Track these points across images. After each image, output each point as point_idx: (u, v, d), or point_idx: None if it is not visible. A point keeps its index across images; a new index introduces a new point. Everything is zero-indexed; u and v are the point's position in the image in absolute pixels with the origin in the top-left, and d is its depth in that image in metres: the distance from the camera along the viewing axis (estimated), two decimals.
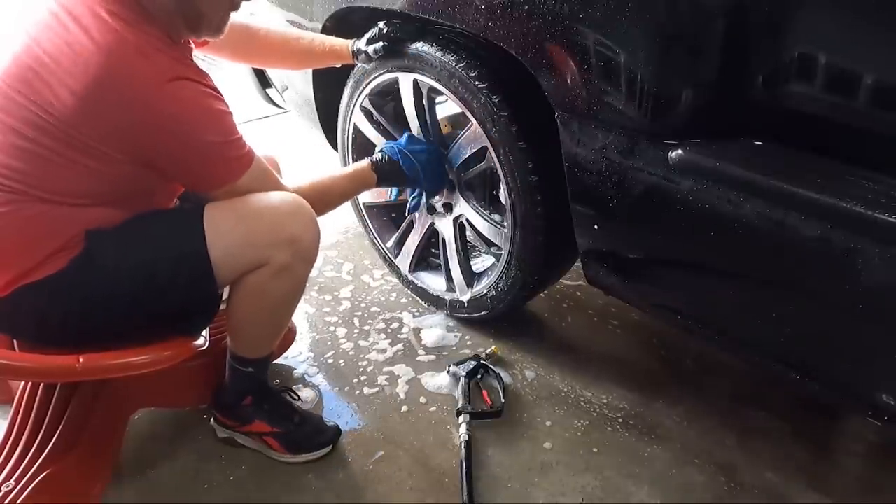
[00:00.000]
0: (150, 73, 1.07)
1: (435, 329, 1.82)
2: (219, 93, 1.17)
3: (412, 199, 1.69)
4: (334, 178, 1.48)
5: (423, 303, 1.91)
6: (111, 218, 1.15)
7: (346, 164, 1.91)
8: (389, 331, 1.83)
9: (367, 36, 1.54)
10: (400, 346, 1.77)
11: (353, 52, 1.56)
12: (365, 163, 1.54)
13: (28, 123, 1.06)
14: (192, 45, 1.26)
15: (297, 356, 1.73)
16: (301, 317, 1.86)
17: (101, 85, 1.03)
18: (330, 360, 1.72)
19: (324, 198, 1.40)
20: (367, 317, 1.88)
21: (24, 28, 1.09)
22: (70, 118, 1.04)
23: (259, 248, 1.20)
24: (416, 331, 1.82)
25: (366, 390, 1.62)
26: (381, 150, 1.58)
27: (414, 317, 1.88)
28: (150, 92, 1.06)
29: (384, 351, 1.75)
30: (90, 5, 1.06)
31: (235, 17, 1.26)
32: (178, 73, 1.10)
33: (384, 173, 1.55)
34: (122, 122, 1.07)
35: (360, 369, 1.69)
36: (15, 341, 1.24)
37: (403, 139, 1.60)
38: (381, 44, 1.51)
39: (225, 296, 1.29)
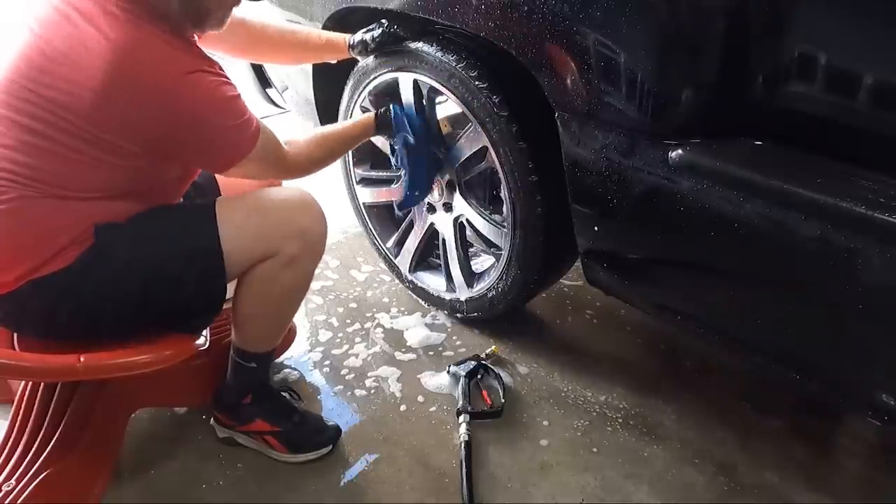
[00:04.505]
0: (166, 67, 1.08)
1: (418, 328, 1.81)
2: (228, 78, 1.18)
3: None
4: (335, 127, 1.48)
5: (422, 302, 1.91)
6: (122, 212, 1.16)
7: (346, 165, 1.92)
8: (378, 330, 1.82)
9: (364, 29, 1.54)
10: (387, 345, 1.77)
11: (349, 45, 1.56)
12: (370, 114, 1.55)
13: (41, 121, 1.06)
14: (196, 39, 1.27)
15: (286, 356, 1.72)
16: None
17: (118, 81, 1.05)
18: (321, 360, 1.72)
19: (328, 143, 1.42)
20: (357, 316, 1.88)
21: (30, 26, 1.09)
22: (87, 114, 1.05)
23: (270, 239, 1.22)
24: (400, 331, 1.82)
25: (362, 391, 1.62)
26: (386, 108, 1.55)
27: (392, 317, 1.87)
28: (168, 86, 1.08)
29: (373, 351, 1.75)
30: (100, 2, 1.07)
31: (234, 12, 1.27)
32: (193, 65, 1.11)
33: (383, 122, 1.53)
34: (141, 117, 1.08)
35: (354, 369, 1.69)
36: (15, 340, 1.24)
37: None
38: (379, 31, 1.51)
39: (229, 294, 1.30)
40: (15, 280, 1.11)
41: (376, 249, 1.99)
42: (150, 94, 1.07)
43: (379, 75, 1.62)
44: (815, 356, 1.16)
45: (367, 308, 1.91)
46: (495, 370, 1.64)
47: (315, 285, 1.99)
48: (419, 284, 1.88)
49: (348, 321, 1.86)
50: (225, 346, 1.42)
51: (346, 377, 1.66)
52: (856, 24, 0.97)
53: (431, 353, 1.74)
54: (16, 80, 1.07)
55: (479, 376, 1.62)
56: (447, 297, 1.80)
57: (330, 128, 1.46)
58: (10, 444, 1.24)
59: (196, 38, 1.26)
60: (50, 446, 1.23)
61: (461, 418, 1.48)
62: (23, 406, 1.29)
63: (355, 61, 1.66)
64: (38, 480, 1.17)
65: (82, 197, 1.11)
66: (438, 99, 1.60)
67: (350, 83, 1.73)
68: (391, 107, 1.54)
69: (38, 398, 1.30)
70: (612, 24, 1.10)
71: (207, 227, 1.19)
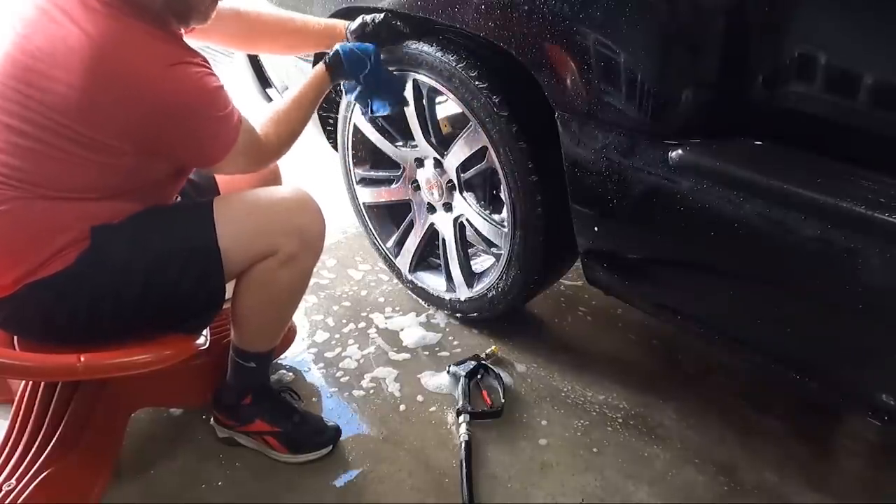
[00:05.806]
0: (148, 60, 1.07)
1: (414, 328, 1.81)
2: (211, 69, 1.17)
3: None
4: (291, 97, 1.37)
5: (422, 302, 1.91)
6: (118, 212, 1.16)
7: (346, 165, 1.91)
8: (373, 331, 1.82)
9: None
10: (383, 345, 1.77)
11: (349, 30, 1.49)
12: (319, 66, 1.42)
13: (28, 121, 1.06)
14: (182, 32, 1.25)
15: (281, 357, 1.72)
16: None
17: (101, 78, 1.04)
18: (318, 360, 1.72)
19: (291, 115, 1.33)
20: (353, 316, 1.87)
21: (13, 26, 1.08)
22: (74, 113, 1.05)
23: (269, 237, 1.22)
24: (396, 331, 1.81)
25: (361, 392, 1.62)
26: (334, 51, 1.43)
27: (387, 317, 1.87)
28: (151, 80, 1.07)
29: (368, 351, 1.75)
30: None
31: (226, 2, 1.26)
32: (176, 57, 1.11)
33: (334, 64, 1.41)
34: (126, 112, 1.07)
35: (352, 370, 1.69)
36: (15, 340, 1.24)
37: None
38: (381, 15, 1.45)
39: (229, 294, 1.30)
40: (13, 283, 1.11)
41: (376, 249, 1.99)
42: (134, 89, 1.06)
43: None
44: (814, 356, 1.16)
45: (363, 308, 1.91)
46: (495, 370, 1.64)
47: (310, 283, 1.98)
48: (419, 284, 1.88)
49: (344, 321, 1.86)
50: (225, 346, 1.42)
51: (344, 378, 1.66)
52: (856, 24, 0.97)
53: (427, 353, 1.74)
54: (1, 81, 1.07)
55: (478, 376, 1.62)
56: (447, 297, 1.80)
57: (286, 99, 1.37)
58: (10, 443, 1.24)
59: (183, 31, 1.24)
60: (50, 446, 1.23)
61: (461, 418, 1.48)
62: (23, 406, 1.29)
63: None
64: (38, 480, 1.17)
65: (76, 198, 1.11)
66: (438, 99, 1.61)
67: None
68: (336, 47, 1.42)
69: (38, 398, 1.30)
70: (612, 24, 1.10)
71: (205, 227, 1.19)
